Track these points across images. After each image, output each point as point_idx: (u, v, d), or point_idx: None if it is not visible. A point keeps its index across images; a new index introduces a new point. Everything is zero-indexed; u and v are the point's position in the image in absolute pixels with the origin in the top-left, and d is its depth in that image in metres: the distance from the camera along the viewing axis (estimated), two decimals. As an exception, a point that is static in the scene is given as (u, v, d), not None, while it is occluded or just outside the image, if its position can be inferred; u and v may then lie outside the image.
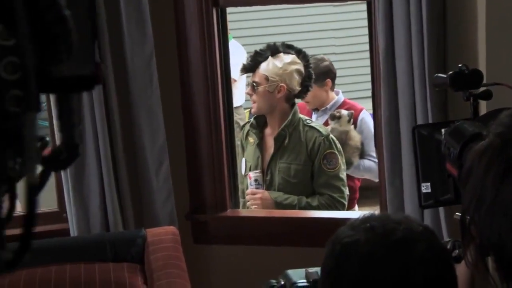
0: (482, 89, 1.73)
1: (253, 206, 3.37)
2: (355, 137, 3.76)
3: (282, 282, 1.58)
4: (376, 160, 3.72)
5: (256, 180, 3.37)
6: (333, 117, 3.76)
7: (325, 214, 3.28)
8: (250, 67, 3.41)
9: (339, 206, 3.33)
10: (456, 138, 1.37)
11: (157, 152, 3.00)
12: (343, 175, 3.41)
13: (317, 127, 3.41)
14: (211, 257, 3.25)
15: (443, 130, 1.63)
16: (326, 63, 3.98)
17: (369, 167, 3.77)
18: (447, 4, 2.68)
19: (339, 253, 1.26)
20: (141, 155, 3.00)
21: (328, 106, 3.94)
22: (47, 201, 3.21)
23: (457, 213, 1.73)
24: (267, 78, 3.35)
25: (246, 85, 3.48)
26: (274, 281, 1.60)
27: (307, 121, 3.43)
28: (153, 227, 2.84)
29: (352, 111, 3.82)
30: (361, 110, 3.90)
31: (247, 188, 3.42)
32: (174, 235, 2.70)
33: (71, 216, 3.01)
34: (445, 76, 1.71)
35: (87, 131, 2.92)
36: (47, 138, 0.81)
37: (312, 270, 1.55)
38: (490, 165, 1.16)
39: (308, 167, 3.34)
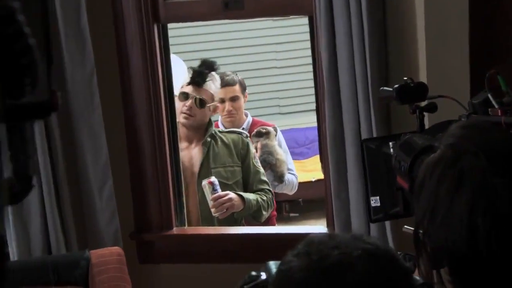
0: (427, 101, 1.74)
1: (218, 213, 3.30)
2: (281, 151, 3.80)
3: (264, 276, 1.50)
4: (295, 173, 3.81)
5: (216, 185, 3.29)
6: (261, 134, 3.74)
7: (272, 230, 3.29)
8: (199, 83, 3.41)
9: (272, 198, 3.48)
10: (407, 151, 1.37)
11: (100, 172, 2.94)
12: None
13: (237, 130, 3.56)
14: (158, 276, 3.19)
15: (390, 143, 1.64)
16: (239, 77, 3.83)
17: (292, 180, 3.85)
18: (387, 17, 2.71)
19: (275, 280, 1.23)
20: (83, 175, 2.93)
21: (244, 126, 3.85)
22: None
23: (405, 226, 1.74)
24: (212, 98, 3.45)
25: (184, 97, 3.43)
26: (254, 273, 1.53)
27: (220, 130, 3.57)
28: (97, 248, 2.77)
29: (275, 126, 3.85)
30: (272, 126, 3.91)
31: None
32: (119, 256, 2.64)
33: (11, 238, 2.92)
34: (390, 89, 1.72)
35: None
36: None
37: None
38: (443, 177, 1.16)
39: (239, 167, 3.42)
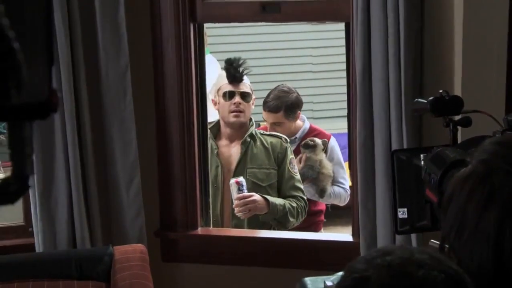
0: (461, 115, 1.71)
1: (241, 214, 3.30)
2: (328, 166, 3.77)
3: None
4: (345, 186, 3.78)
5: (243, 185, 3.29)
6: (307, 146, 3.72)
7: (297, 236, 3.26)
8: (240, 78, 3.43)
9: (305, 207, 3.43)
10: (437, 164, 1.35)
11: (129, 167, 2.95)
12: None
13: (278, 134, 3.54)
14: (180, 275, 3.19)
15: (422, 155, 1.61)
16: (295, 94, 3.85)
17: (339, 193, 3.81)
18: (424, 27, 2.67)
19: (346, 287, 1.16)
20: (112, 170, 2.94)
21: (297, 135, 3.85)
22: (13, 215, 3.14)
23: (432, 240, 1.71)
24: (251, 90, 3.48)
25: (229, 96, 3.44)
26: None
27: (261, 131, 3.54)
28: (122, 244, 2.78)
29: (326, 139, 3.81)
30: (329, 137, 3.87)
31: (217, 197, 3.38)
32: (142, 254, 2.64)
33: (37, 230, 2.94)
34: (425, 101, 1.70)
35: (56, 143, 2.86)
36: None
37: (329, 282, 1.47)
38: (473, 192, 1.14)
39: (275, 171, 3.41)
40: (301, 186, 3.47)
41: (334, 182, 3.80)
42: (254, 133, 3.44)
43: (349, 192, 3.83)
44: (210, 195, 3.32)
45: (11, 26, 0.72)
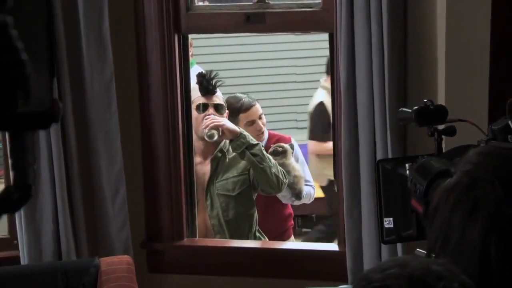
0: (446, 125, 1.73)
1: (213, 130, 3.28)
2: (298, 167, 3.75)
3: None
4: (312, 184, 3.78)
5: None
6: (277, 153, 3.65)
7: (283, 245, 3.27)
8: (212, 90, 3.39)
9: (286, 175, 3.38)
10: (423, 174, 1.36)
11: (114, 179, 2.94)
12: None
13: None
14: (166, 286, 3.19)
15: (407, 165, 1.62)
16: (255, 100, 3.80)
17: (309, 192, 3.81)
18: (408, 37, 2.69)
19: None
20: (97, 181, 2.93)
21: (262, 143, 3.72)
22: (-3, 227, 3.12)
23: (418, 249, 1.72)
24: (224, 102, 3.46)
25: (203, 108, 3.40)
26: None
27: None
28: (107, 255, 2.77)
29: (291, 143, 3.79)
30: (290, 139, 3.84)
31: None
32: (128, 265, 2.63)
33: (22, 243, 2.93)
34: (409, 110, 1.71)
35: (41, 155, 2.85)
36: None
37: None
38: (458, 203, 1.15)
39: (246, 176, 3.37)
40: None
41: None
42: (223, 148, 3.39)
43: (315, 188, 3.87)
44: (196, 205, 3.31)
45: (18, 37, 0.73)
